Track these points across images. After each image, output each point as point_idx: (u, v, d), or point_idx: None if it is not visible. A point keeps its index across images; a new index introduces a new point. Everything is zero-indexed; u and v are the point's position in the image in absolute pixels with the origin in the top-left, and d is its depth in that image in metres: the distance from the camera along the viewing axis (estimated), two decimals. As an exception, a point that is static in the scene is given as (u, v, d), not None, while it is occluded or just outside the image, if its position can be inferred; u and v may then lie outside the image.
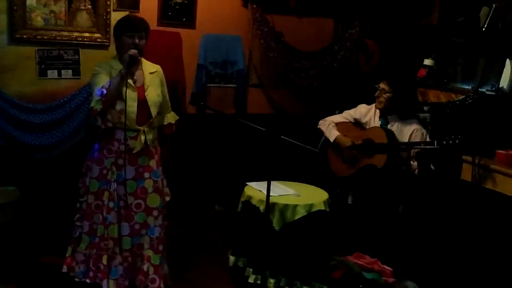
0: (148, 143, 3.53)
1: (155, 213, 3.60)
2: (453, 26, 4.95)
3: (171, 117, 3.77)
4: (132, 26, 3.46)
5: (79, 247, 3.58)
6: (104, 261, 3.51)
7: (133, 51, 3.37)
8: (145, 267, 3.57)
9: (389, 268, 3.50)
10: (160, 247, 3.63)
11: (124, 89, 3.35)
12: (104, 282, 3.49)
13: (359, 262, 3.51)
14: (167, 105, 3.76)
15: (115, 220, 3.51)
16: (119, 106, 3.39)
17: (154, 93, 3.56)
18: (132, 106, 3.42)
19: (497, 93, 4.42)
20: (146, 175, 3.57)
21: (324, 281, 3.75)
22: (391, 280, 3.47)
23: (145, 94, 3.51)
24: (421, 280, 3.85)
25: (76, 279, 3.58)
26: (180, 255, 4.39)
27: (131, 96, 3.42)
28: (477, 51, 4.78)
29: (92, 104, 3.38)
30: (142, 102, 3.49)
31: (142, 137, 3.49)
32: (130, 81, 3.44)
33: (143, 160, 3.56)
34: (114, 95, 3.35)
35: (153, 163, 3.61)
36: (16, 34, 4.47)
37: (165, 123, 3.73)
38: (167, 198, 3.78)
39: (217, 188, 5.51)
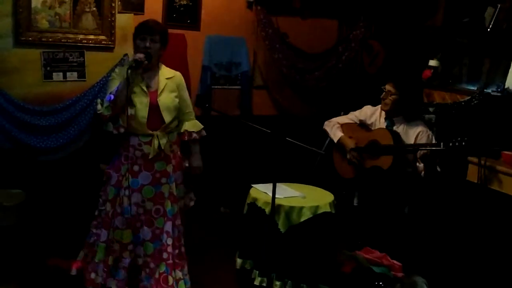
0: (162, 147, 3.50)
1: (167, 219, 3.58)
2: (458, 27, 4.94)
3: (188, 125, 3.68)
4: (145, 29, 3.45)
5: (96, 257, 3.56)
6: (110, 262, 3.53)
7: (138, 55, 3.37)
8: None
9: (398, 262, 3.49)
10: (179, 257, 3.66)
11: (133, 93, 3.39)
12: (109, 280, 3.53)
13: (368, 257, 3.51)
14: (186, 111, 3.69)
15: (124, 225, 3.50)
16: (130, 111, 3.39)
17: (168, 98, 3.52)
18: (142, 110, 3.42)
19: (502, 93, 4.40)
20: (163, 180, 3.56)
21: (330, 283, 3.74)
22: (400, 274, 3.46)
23: (157, 99, 3.48)
24: (429, 278, 3.85)
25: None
26: (186, 257, 4.39)
27: (142, 101, 3.43)
28: (482, 51, 4.77)
29: (101, 110, 3.40)
30: (154, 107, 3.46)
31: (156, 142, 3.47)
32: (143, 86, 3.45)
33: (160, 165, 3.55)
34: (121, 100, 3.35)
35: (169, 168, 3.58)
36: (21, 37, 4.48)
37: (181, 131, 3.67)
38: (191, 203, 3.85)
39: (223, 190, 5.51)
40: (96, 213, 3.63)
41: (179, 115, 3.64)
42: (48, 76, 4.65)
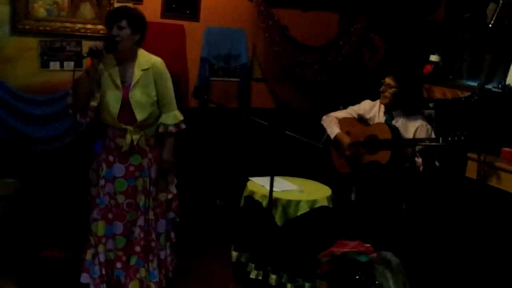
0: (135, 142, 3.36)
1: (140, 212, 3.46)
2: (460, 22, 4.91)
3: (165, 117, 3.43)
4: (110, 16, 3.26)
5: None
6: (88, 256, 3.48)
7: (95, 44, 3.14)
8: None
9: (368, 245, 3.45)
10: (152, 250, 3.52)
11: (106, 86, 3.28)
12: (83, 276, 3.47)
13: (347, 250, 3.47)
14: (164, 102, 3.43)
15: (98, 216, 3.42)
16: (93, 102, 3.29)
17: (140, 94, 3.32)
18: (113, 106, 3.28)
19: (503, 90, 4.38)
20: (137, 174, 3.43)
21: (326, 277, 3.72)
22: (374, 255, 3.42)
23: (129, 95, 3.29)
24: (427, 273, 3.84)
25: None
26: (182, 250, 4.37)
27: (114, 96, 3.28)
28: (484, 47, 4.75)
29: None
30: (126, 103, 3.29)
31: (129, 137, 3.33)
32: (116, 79, 3.30)
33: (134, 159, 3.42)
34: (83, 90, 3.22)
35: (145, 162, 3.44)
36: (19, 25, 4.45)
37: (159, 123, 3.44)
38: (169, 196, 3.61)
39: (220, 183, 5.49)
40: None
41: (158, 106, 3.43)
42: (45, 65, 4.63)
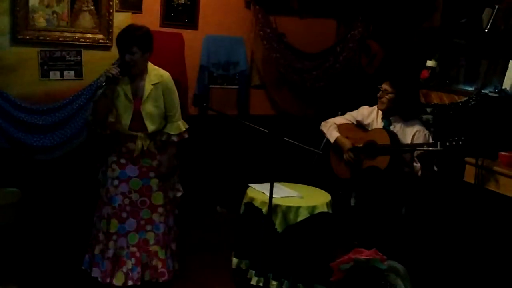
0: (145, 148, 3.65)
1: (160, 210, 3.71)
2: (456, 28, 4.94)
3: (169, 127, 3.72)
4: (120, 43, 3.54)
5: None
6: (96, 251, 3.66)
7: (111, 71, 3.46)
8: (153, 262, 3.69)
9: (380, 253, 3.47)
10: (167, 242, 3.76)
11: (118, 100, 3.57)
12: (94, 270, 3.65)
13: (364, 256, 3.48)
14: (170, 114, 3.72)
15: (111, 214, 3.62)
16: (111, 117, 3.59)
17: (151, 106, 3.62)
18: (125, 118, 3.58)
19: (500, 94, 4.40)
20: (152, 174, 3.69)
21: (327, 283, 3.74)
22: (386, 263, 3.44)
23: (141, 107, 3.59)
24: (426, 278, 3.85)
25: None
26: (183, 256, 4.38)
27: (126, 108, 3.58)
28: (480, 52, 4.77)
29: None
30: (137, 114, 3.60)
31: (140, 143, 3.62)
32: (128, 93, 3.58)
33: (146, 161, 3.69)
34: (101, 110, 3.55)
35: (155, 163, 3.71)
36: (19, 35, 4.47)
37: (164, 131, 3.72)
38: (178, 194, 3.89)
39: (219, 190, 5.51)
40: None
41: (164, 116, 3.71)
42: (45, 75, 4.64)
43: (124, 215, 3.62)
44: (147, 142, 3.65)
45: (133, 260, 3.62)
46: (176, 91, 3.78)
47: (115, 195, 3.61)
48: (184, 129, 3.77)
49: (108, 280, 3.59)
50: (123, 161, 3.66)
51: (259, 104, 5.73)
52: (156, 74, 3.66)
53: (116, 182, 3.63)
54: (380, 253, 3.41)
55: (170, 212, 3.84)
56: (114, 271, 3.60)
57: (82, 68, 4.76)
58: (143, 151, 3.65)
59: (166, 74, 3.71)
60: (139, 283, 3.62)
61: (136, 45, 3.50)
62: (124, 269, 3.59)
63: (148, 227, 3.68)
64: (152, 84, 3.62)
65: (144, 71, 3.63)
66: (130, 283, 3.59)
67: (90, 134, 4.28)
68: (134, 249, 3.64)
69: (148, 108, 3.61)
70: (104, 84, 3.48)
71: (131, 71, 3.55)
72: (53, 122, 4.58)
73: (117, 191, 3.62)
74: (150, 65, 3.68)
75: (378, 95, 4.14)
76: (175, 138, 3.72)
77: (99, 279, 3.61)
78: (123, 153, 3.66)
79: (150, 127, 3.62)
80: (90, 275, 3.68)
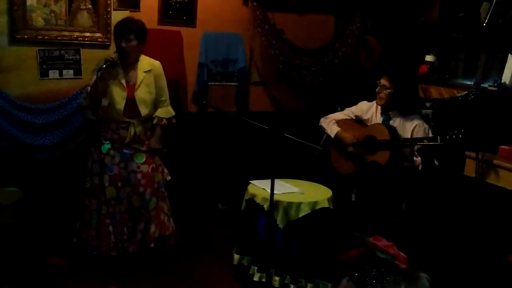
0: (137, 133, 3.92)
1: (155, 186, 4.02)
2: (454, 22, 4.94)
3: (160, 111, 4.04)
4: (119, 29, 3.84)
5: (92, 221, 3.97)
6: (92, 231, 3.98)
7: (110, 56, 3.76)
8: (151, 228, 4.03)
9: (403, 254, 3.47)
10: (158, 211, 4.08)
11: (112, 87, 3.81)
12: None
13: (376, 243, 3.49)
14: (160, 99, 4.03)
15: (107, 183, 3.89)
16: (105, 101, 3.80)
17: (144, 92, 3.90)
18: (119, 103, 3.83)
19: (499, 88, 4.41)
20: (137, 152, 3.97)
21: (328, 278, 3.75)
22: (403, 266, 3.44)
23: (134, 93, 3.85)
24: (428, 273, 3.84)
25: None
26: (184, 254, 4.39)
27: (119, 94, 3.83)
28: (478, 46, 4.78)
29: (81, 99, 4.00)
30: (131, 100, 3.86)
31: (132, 129, 3.89)
32: (122, 80, 3.84)
33: (135, 146, 3.96)
34: (97, 94, 3.74)
35: (144, 148, 4.00)
36: (17, 35, 4.47)
37: (153, 115, 4.01)
38: (168, 178, 4.16)
39: (220, 187, 5.51)
40: (85, 185, 4.01)
41: (155, 102, 4.00)
42: (44, 74, 4.64)
43: (120, 184, 3.89)
44: (139, 128, 3.92)
45: (125, 229, 3.96)
46: (165, 79, 4.08)
47: (111, 165, 3.88)
48: (173, 114, 4.12)
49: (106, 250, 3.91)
50: (117, 146, 3.91)
51: (258, 101, 5.74)
52: (147, 62, 3.95)
53: (112, 152, 3.89)
54: (399, 252, 3.42)
55: (162, 181, 4.10)
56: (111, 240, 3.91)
57: (81, 66, 4.77)
58: (135, 137, 3.91)
59: (157, 63, 4.00)
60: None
61: (133, 33, 3.80)
62: (119, 236, 3.93)
63: (144, 201, 3.97)
64: (144, 72, 3.90)
65: (136, 60, 3.91)
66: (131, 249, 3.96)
67: (91, 128, 4.40)
68: (126, 216, 3.95)
69: (141, 93, 3.88)
70: (104, 66, 3.67)
71: (126, 58, 3.80)
72: (53, 121, 4.59)
73: (114, 161, 3.89)
74: (142, 56, 3.95)
75: (377, 90, 4.14)
76: (165, 122, 4.04)
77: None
78: (114, 140, 3.90)
79: (144, 111, 3.89)
80: (90, 272, 3.91)
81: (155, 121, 4.01)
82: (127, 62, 3.86)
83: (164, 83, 4.05)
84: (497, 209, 3.91)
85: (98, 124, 3.96)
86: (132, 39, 3.79)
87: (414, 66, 5.16)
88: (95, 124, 3.98)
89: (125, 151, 3.93)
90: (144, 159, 3.97)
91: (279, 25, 5.57)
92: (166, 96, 4.08)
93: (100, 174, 3.92)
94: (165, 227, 4.11)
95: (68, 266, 4.04)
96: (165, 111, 4.06)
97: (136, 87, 3.87)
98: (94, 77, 3.74)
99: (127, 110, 3.85)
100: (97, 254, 3.95)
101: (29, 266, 4.02)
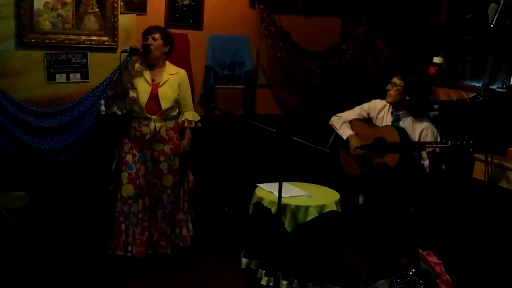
0: (157, 129, 4.03)
1: (168, 191, 4.12)
2: (461, 24, 4.92)
3: (188, 115, 4.22)
4: (146, 30, 4.09)
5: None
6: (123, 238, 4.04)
7: (136, 45, 4.04)
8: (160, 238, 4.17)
9: (448, 277, 3.47)
10: (171, 220, 4.20)
11: (139, 83, 4.03)
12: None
13: (426, 256, 3.49)
14: (186, 104, 4.22)
15: (126, 180, 3.99)
16: (131, 94, 4.02)
17: (168, 89, 4.07)
18: (143, 97, 4.02)
19: (508, 90, 4.39)
20: (162, 158, 4.07)
21: (337, 282, 3.73)
22: (443, 287, 3.43)
23: (158, 89, 4.04)
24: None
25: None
26: (192, 257, 4.38)
27: (144, 89, 4.03)
28: (486, 48, 4.75)
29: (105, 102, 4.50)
30: (154, 96, 4.04)
31: (152, 125, 4.03)
32: (148, 78, 4.06)
33: (158, 146, 4.07)
34: (121, 83, 3.96)
35: (167, 149, 4.09)
36: (24, 39, 4.49)
37: (182, 119, 4.19)
38: (191, 185, 4.38)
39: (228, 190, 5.50)
40: (109, 188, 4.16)
41: (180, 107, 4.20)
42: (51, 78, 4.65)
43: (138, 183, 4.01)
44: (159, 124, 4.05)
45: (139, 230, 4.04)
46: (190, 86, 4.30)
47: (132, 163, 3.99)
48: (199, 118, 4.29)
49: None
50: (138, 146, 4.05)
51: (265, 104, 5.72)
52: (173, 68, 4.17)
53: (133, 166, 4.00)
54: (446, 275, 3.42)
55: (176, 193, 4.21)
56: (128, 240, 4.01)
57: (88, 70, 4.78)
58: (155, 134, 4.03)
59: (182, 70, 4.21)
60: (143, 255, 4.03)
61: (159, 33, 4.05)
62: (130, 239, 4.00)
63: (159, 206, 4.11)
64: (169, 74, 4.11)
65: (162, 64, 4.13)
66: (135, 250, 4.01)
67: (99, 132, 4.70)
68: (146, 223, 4.07)
69: (165, 90, 4.06)
70: (128, 51, 3.92)
71: (149, 52, 4.00)
72: (60, 124, 4.59)
73: (135, 159, 4.00)
74: (168, 63, 4.18)
75: (387, 87, 4.14)
76: (192, 124, 4.21)
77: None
78: (137, 137, 4.05)
79: (165, 104, 4.04)
80: (98, 273, 3.97)
81: (185, 124, 4.19)
82: (151, 60, 4.07)
83: (188, 88, 4.24)
84: (506, 212, 3.88)
85: (126, 118, 4.12)
86: (157, 38, 4.03)
87: (423, 68, 5.14)
88: (123, 119, 4.16)
89: (146, 151, 4.07)
90: (167, 160, 4.11)
91: (285, 28, 5.56)
92: (190, 101, 4.27)
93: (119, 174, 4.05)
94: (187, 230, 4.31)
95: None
96: (193, 115, 4.25)
97: (160, 84, 4.06)
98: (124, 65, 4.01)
99: (149, 106, 4.03)
100: (107, 255, 3.99)
101: (36, 270, 4.02)
